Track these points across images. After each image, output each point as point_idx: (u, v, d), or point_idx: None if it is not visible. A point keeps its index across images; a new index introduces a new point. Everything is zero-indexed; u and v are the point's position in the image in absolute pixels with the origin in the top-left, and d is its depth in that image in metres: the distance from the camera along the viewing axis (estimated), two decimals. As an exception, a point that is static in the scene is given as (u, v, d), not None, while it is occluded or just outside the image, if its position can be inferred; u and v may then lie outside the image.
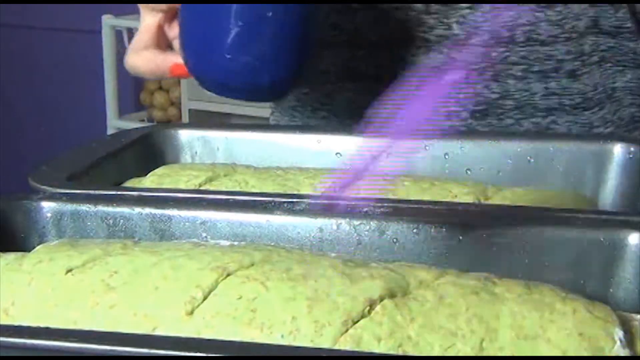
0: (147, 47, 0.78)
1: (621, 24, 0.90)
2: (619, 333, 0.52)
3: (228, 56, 0.72)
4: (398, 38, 0.88)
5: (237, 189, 0.74)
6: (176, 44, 0.78)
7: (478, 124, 0.89)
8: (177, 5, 0.76)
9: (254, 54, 0.72)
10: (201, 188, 0.74)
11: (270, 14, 0.71)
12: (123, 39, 2.94)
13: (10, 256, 0.61)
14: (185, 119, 2.89)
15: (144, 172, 0.78)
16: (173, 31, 0.79)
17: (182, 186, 0.74)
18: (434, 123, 0.67)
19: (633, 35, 0.90)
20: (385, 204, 0.65)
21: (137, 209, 0.67)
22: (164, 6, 0.78)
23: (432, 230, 0.63)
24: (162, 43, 0.79)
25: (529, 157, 0.78)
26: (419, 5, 0.87)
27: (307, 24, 0.74)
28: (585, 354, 0.51)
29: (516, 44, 0.87)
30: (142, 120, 3.03)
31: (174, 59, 0.77)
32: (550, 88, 0.89)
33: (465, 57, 0.85)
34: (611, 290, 0.61)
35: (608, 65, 0.90)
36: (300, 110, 0.95)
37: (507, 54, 0.88)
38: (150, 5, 0.79)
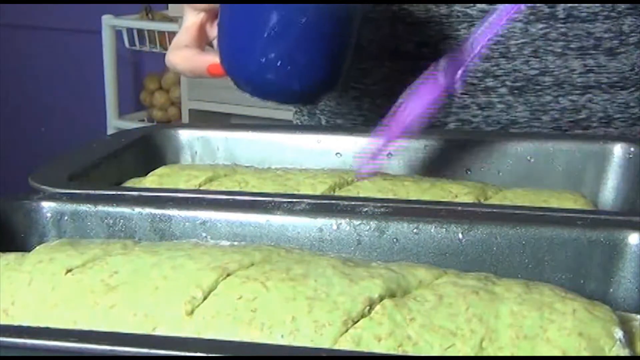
0: (187, 45, 0.79)
1: None
2: (619, 333, 0.52)
3: (262, 59, 0.72)
4: (440, 14, 0.88)
5: (237, 189, 0.74)
6: (216, 44, 0.79)
7: (516, 101, 0.89)
8: (219, 6, 0.77)
9: (287, 58, 0.72)
10: (201, 188, 0.74)
11: (305, 19, 0.71)
12: (123, 39, 2.95)
13: (10, 256, 0.61)
14: (185, 119, 2.89)
15: (144, 172, 0.78)
16: (214, 31, 0.80)
17: (182, 186, 0.74)
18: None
19: None
20: (385, 204, 0.65)
21: (137, 209, 0.67)
22: (205, 6, 0.79)
23: (432, 230, 0.63)
24: (203, 42, 0.80)
25: (529, 157, 0.78)
26: None
27: (344, 31, 0.74)
28: (585, 353, 0.51)
29: (557, 20, 0.88)
30: (142, 120, 3.03)
31: (212, 59, 0.77)
32: (588, 65, 0.89)
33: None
34: (611, 290, 0.61)
35: None
36: None
37: (547, 30, 0.88)
38: (192, 5, 0.80)
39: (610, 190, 0.76)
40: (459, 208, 0.65)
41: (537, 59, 0.88)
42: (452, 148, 0.79)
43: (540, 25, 0.88)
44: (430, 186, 0.73)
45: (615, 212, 0.72)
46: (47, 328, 0.54)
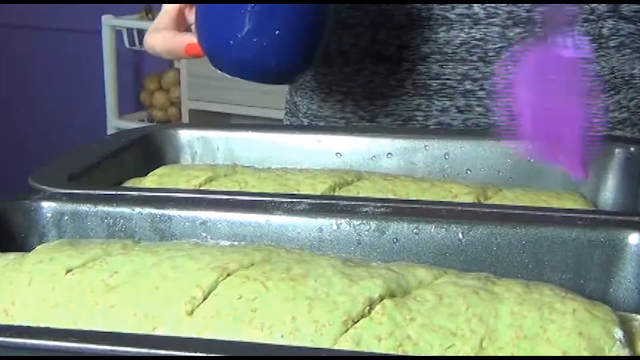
0: (166, 27, 0.82)
1: None
2: (619, 333, 0.52)
3: (239, 36, 0.73)
4: (421, 17, 0.89)
5: (237, 189, 0.74)
6: (194, 27, 0.80)
7: (494, 105, 0.89)
8: None
9: (264, 36, 0.73)
10: (201, 188, 0.74)
11: None
12: (123, 39, 2.94)
13: (10, 256, 0.61)
14: (185, 119, 2.89)
15: (144, 172, 0.78)
16: (192, 16, 0.81)
17: (182, 186, 0.74)
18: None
19: None
20: (385, 204, 0.65)
21: (137, 209, 0.67)
22: None
23: (432, 230, 0.63)
24: (181, 26, 0.83)
25: (529, 157, 0.78)
26: None
27: (320, 10, 0.76)
28: (585, 353, 0.51)
29: (535, 24, 0.88)
30: (142, 120, 3.03)
31: (190, 39, 0.79)
32: None
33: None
34: (611, 290, 0.61)
35: (627, 51, 0.90)
36: (317, 92, 0.95)
37: (526, 34, 0.88)
38: None
39: (610, 190, 0.76)
40: (459, 208, 0.65)
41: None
42: (452, 148, 0.79)
43: (518, 30, 0.88)
44: (430, 186, 0.73)
45: (615, 212, 0.72)
46: (47, 328, 0.54)
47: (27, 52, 3.27)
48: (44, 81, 3.28)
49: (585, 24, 0.88)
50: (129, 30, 2.94)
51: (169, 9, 0.83)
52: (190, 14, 0.82)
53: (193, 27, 0.81)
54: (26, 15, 3.21)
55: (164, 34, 0.81)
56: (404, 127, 0.90)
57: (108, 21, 2.89)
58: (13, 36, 3.25)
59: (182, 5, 0.82)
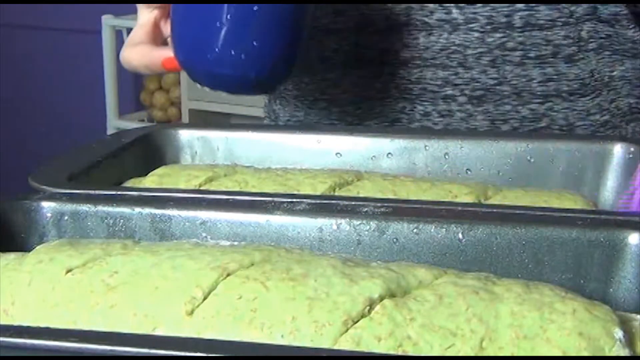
0: (142, 41, 0.81)
1: (619, 12, 0.90)
2: (619, 333, 0.52)
3: (215, 49, 0.73)
4: (401, 22, 0.89)
5: (237, 189, 0.74)
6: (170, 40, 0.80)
7: (475, 110, 0.89)
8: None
9: (240, 47, 0.73)
10: (201, 188, 0.74)
11: (257, 8, 0.72)
12: (123, 39, 2.94)
13: (10, 256, 0.61)
14: (185, 119, 2.89)
15: (144, 172, 0.78)
16: (168, 28, 0.80)
17: (182, 186, 0.74)
18: None
19: (631, 24, 0.90)
20: (385, 204, 0.65)
21: (137, 209, 0.67)
22: (158, 4, 0.80)
23: (432, 230, 0.63)
24: (158, 39, 0.82)
25: (529, 157, 0.78)
26: None
27: (295, 20, 0.75)
28: (585, 353, 0.51)
29: (514, 29, 0.88)
30: (142, 120, 3.03)
31: (166, 53, 0.79)
32: (547, 74, 0.89)
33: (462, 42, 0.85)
34: (611, 290, 0.61)
35: (606, 53, 0.90)
36: (301, 99, 0.95)
37: (505, 39, 0.88)
38: (146, 3, 0.81)
39: (610, 190, 0.76)
40: (459, 208, 0.65)
41: (495, 69, 0.88)
42: (452, 148, 0.79)
43: (498, 35, 0.88)
44: (430, 186, 0.73)
45: (615, 212, 0.72)
46: (47, 328, 0.54)
47: (27, 52, 3.27)
48: (44, 81, 3.28)
49: (565, 28, 0.88)
50: (129, 30, 2.93)
51: (144, 23, 0.82)
52: (165, 27, 0.82)
53: (169, 39, 0.80)
54: (26, 15, 3.21)
55: (141, 49, 0.80)
56: (404, 127, 0.90)
57: (108, 21, 2.89)
58: (13, 36, 3.25)
59: (158, 18, 0.82)
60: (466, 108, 0.89)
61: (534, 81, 0.89)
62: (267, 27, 0.73)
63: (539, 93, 0.89)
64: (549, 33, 0.88)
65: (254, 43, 0.73)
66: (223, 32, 0.72)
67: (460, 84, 0.89)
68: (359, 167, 0.79)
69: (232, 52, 0.73)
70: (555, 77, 0.89)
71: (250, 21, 0.72)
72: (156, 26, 0.82)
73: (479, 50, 0.88)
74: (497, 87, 0.89)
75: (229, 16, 0.72)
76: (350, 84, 0.92)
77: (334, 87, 0.92)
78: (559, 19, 0.88)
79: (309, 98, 0.94)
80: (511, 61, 0.88)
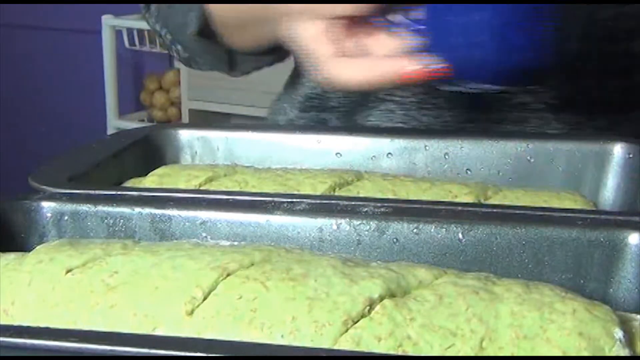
0: (337, 54, 0.70)
1: None
2: (619, 333, 0.52)
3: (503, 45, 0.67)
4: None
5: (237, 189, 0.74)
6: (377, 50, 0.70)
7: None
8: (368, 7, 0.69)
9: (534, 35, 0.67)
10: (201, 188, 0.74)
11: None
12: (123, 39, 2.94)
13: (10, 256, 0.61)
14: (185, 119, 2.89)
15: (144, 172, 0.79)
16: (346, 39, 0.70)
17: (182, 186, 0.74)
18: None
19: None
20: (385, 204, 0.65)
21: (137, 209, 0.67)
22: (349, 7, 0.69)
23: (432, 230, 0.63)
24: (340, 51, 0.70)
25: (529, 157, 0.78)
26: None
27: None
28: (585, 353, 0.51)
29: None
30: (142, 120, 3.03)
31: (404, 63, 0.68)
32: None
33: None
34: (611, 290, 0.61)
35: None
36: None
37: None
38: (315, 11, 0.70)
39: (610, 190, 0.76)
40: (459, 208, 0.65)
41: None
42: (452, 148, 0.79)
43: None
44: (430, 186, 0.73)
45: (615, 212, 0.72)
46: (47, 328, 0.54)
47: (27, 52, 3.27)
48: (44, 81, 3.28)
49: None
50: (129, 30, 2.94)
51: (317, 35, 0.69)
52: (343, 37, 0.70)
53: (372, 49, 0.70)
54: (26, 15, 3.21)
55: (359, 64, 0.69)
56: (404, 127, 0.90)
57: (108, 21, 2.89)
58: (13, 36, 3.25)
59: (326, 29, 0.69)
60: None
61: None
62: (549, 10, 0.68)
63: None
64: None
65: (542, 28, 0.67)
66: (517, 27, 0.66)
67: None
68: (359, 167, 0.79)
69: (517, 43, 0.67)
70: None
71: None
72: (335, 36, 0.69)
73: None
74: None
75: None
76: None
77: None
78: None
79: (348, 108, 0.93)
80: None
